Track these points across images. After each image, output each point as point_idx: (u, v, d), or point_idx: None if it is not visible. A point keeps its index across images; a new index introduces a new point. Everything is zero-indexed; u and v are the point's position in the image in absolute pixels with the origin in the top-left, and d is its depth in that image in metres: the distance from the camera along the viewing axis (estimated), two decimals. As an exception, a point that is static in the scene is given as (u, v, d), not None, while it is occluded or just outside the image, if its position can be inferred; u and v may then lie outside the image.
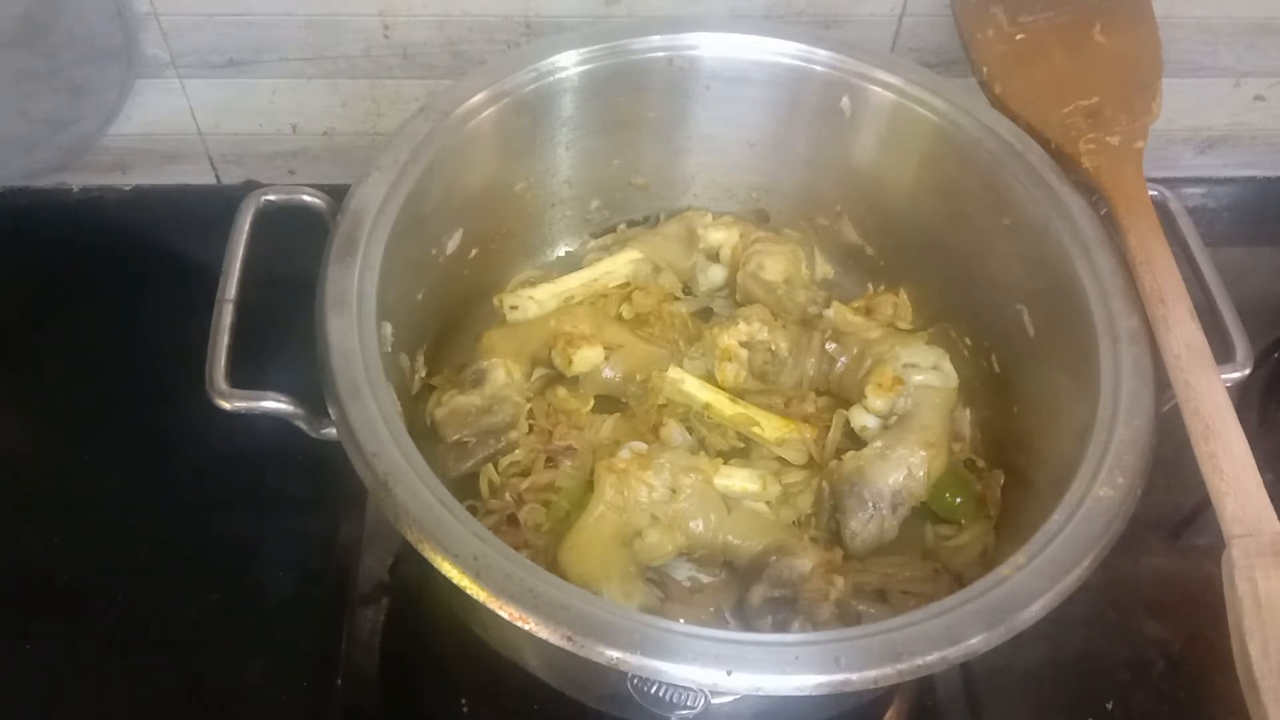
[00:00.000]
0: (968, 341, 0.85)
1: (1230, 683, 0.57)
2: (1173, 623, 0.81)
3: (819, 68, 0.82)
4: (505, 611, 0.53)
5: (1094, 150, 0.76)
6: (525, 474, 0.77)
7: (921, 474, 0.75)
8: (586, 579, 0.67)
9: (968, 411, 0.82)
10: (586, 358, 0.80)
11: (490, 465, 0.77)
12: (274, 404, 0.62)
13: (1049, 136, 0.78)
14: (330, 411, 0.61)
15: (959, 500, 0.77)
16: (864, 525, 0.74)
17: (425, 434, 0.78)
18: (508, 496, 0.75)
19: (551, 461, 0.77)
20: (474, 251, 0.83)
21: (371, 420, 0.59)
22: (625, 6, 0.91)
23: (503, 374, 0.78)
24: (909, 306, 0.89)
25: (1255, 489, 0.60)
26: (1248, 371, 0.67)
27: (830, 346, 0.83)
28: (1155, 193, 0.75)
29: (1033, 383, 0.78)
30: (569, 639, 0.52)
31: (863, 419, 0.80)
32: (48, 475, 0.86)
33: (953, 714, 0.78)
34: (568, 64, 0.79)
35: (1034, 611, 0.56)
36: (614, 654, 0.52)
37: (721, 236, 0.90)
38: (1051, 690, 0.78)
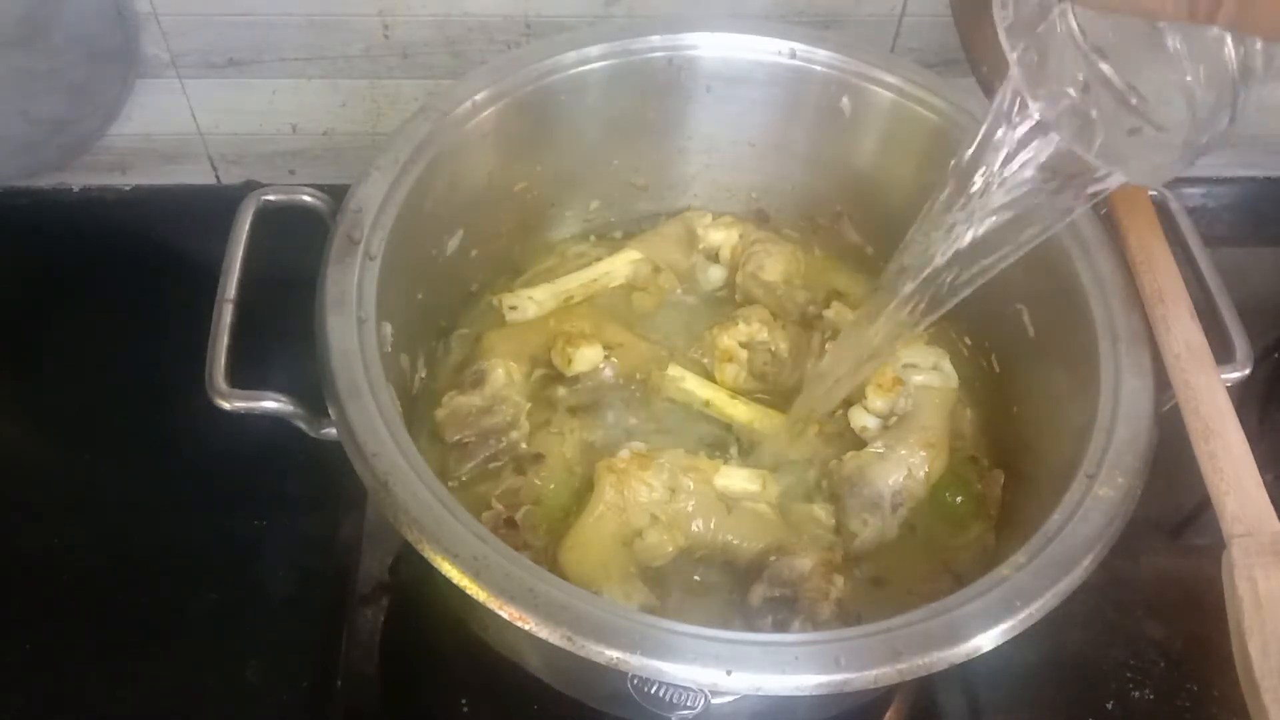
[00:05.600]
0: (968, 341, 0.85)
1: (1230, 683, 0.57)
2: (1173, 623, 0.81)
3: (819, 68, 0.82)
4: (505, 611, 0.53)
5: (1094, 150, 0.76)
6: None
7: (922, 474, 0.75)
8: (586, 579, 0.67)
9: (968, 411, 0.82)
10: (586, 357, 0.80)
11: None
12: (274, 404, 0.62)
13: (1049, 136, 0.78)
14: (330, 411, 0.61)
15: (959, 500, 0.77)
16: (864, 525, 0.74)
17: (425, 434, 0.78)
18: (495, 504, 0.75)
19: (519, 469, 0.76)
20: (474, 252, 0.83)
21: (371, 420, 0.59)
22: (625, 6, 0.91)
23: (502, 374, 0.78)
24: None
25: (1255, 489, 0.60)
26: (1248, 371, 0.67)
27: (830, 347, 0.83)
28: (1155, 193, 0.75)
29: (1033, 383, 0.78)
30: (569, 639, 0.52)
31: (863, 419, 0.80)
32: (48, 475, 0.86)
33: (953, 714, 0.78)
34: (567, 64, 0.79)
35: (1034, 612, 0.56)
36: (614, 654, 0.52)
37: (721, 236, 0.90)
38: (1051, 690, 0.78)
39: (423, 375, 0.81)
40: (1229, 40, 0.48)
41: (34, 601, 0.78)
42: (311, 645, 0.77)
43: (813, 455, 0.80)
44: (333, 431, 0.61)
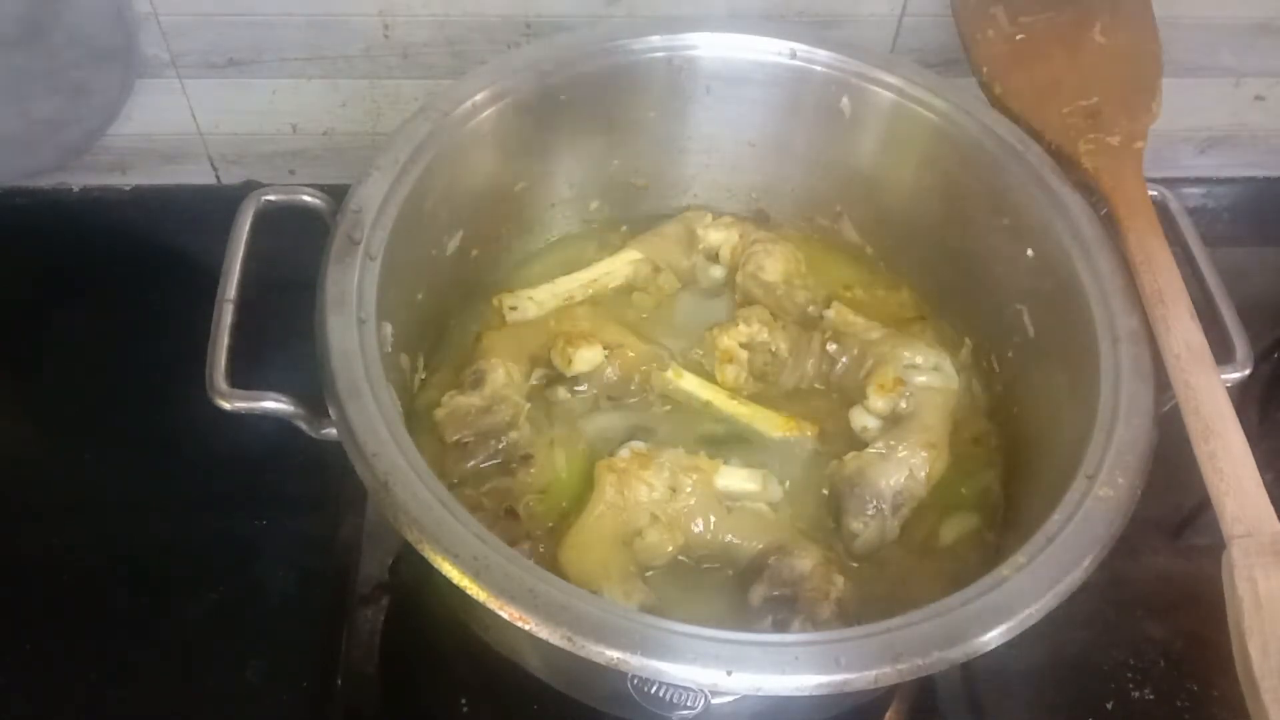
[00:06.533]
0: (968, 341, 0.85)
1: (1230, 683, 0.57)
2: (1173, 623, 0.81)
3: (819, 68, 0.82)
4: (505, 611, 0.53)
5: (1094, 150, 0.76)
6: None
7: (923, 475, 0.75)
8: (586, 579, 0.67)
9: (974, 408, 0.82)
10: (586, 357, 0.80)
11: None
12: (274, 404, 0.62)
13: (1049, 136, 0.78)
14: (330, 411, 0.61)
15: (961, 499, 0.77)
16: (865, 526, 0.74)
17: (425, 434, 0.78)
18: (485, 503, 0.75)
19: (508, 470, 0.75)
20: (474, 251, 0.83)
21: (371, 420, 0.59)
22: (625, 6, 0.91)
23: (503, 374, 0.78)
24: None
25: (1255, 489, 0.60)
26: (1248, 371, 0.67)
27: (831, 347, 0.83)
28: (1155, 193, 0.76)
29: (1033, 383, 0.78)
30: (569, 639, 0.52)
31: (863, 420, 0.79)
32: (48, 475, 0.86)
33: (953, 714, 0.78)
34: (567, 64, 0.79)
35: (1034, 612, 0.56)
36: (614, 654, 0.52)
37: (721, 236, 0.90)
38: (1051, 690, 0.78)
39: (423, 375, 0.81)
40: None
41: (34, 601, 0.78)
42: (311, 645, 0.77)
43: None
44: (333, 431, 0.61)
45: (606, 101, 0.83)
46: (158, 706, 0.74)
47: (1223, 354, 0.67)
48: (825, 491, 0.77)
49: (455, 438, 0.76)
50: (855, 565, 0.74)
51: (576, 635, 0.52)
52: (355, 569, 0.80)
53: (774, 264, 0.87)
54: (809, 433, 0.80)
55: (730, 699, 0.56)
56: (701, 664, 0.52)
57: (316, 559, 0.81)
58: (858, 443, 0.79)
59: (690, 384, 0.81)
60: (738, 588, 0.71)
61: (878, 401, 0.79)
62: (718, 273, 0.90)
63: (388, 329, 0.68)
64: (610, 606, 0.56)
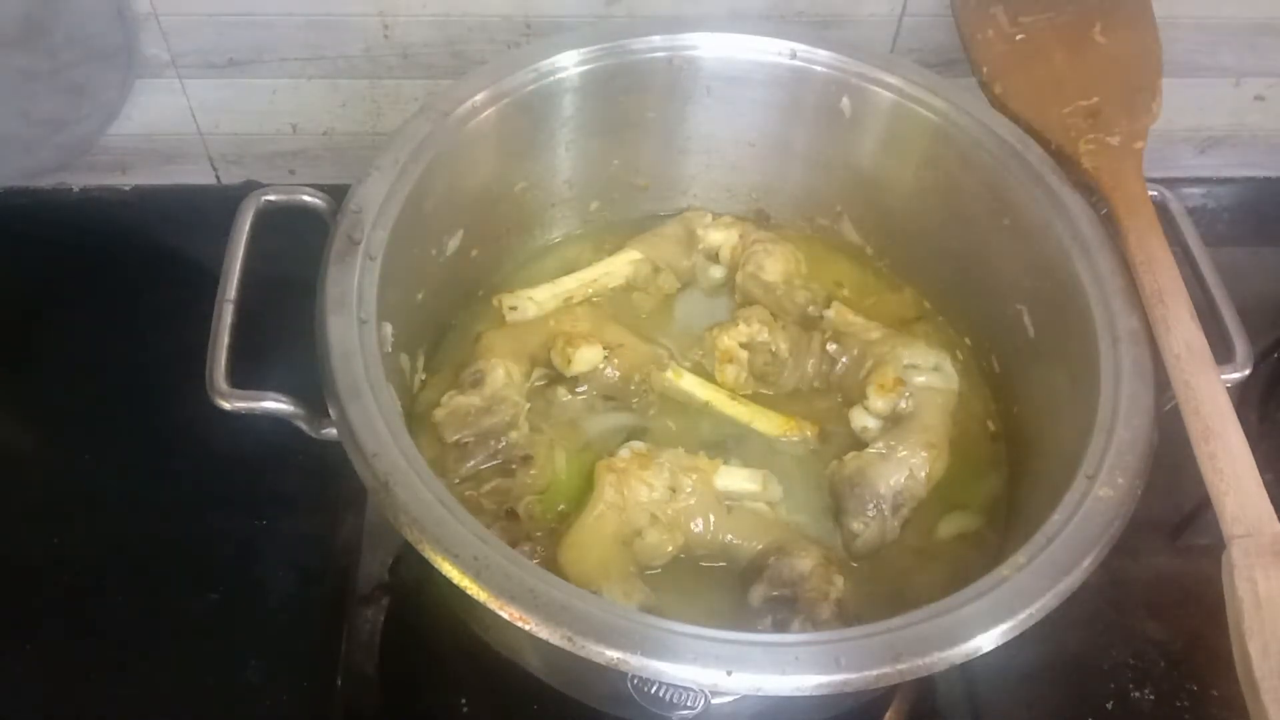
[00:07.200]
0: (967, 341, 0.85)
1: (1230, 683, 0.57)
2: (1173, 623, 0.81)
3: (819, 68, 0.82)
4: (505, 611, 0.53)
5: (1094, 150, 0.76)
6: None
7: (923, 475, 0.75)
8: (586, 579, 0.67)
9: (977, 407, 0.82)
10: (585, 357, 0.80)
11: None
12: (274, 404, 0.62)
13: (1049, 136, 0.78)
14: (330, 411, 0.61)
15: (961, 499, 0.77)
16: (865, 526, 0.74)
17: (425, 434, 0.78)
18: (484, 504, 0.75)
19: (507, 471, 0.75)
20: (474, 251, 0.83)
21: (371, 420, 0.59)
22: (625, 6, 0.91)
23: (502, 374, 0.78)
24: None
25: (1255, 489, 0.60)
26: (1248, 371, 0.67)
27: (831, 347, 0.83)
28: (1155, 193, 0.76)
29: (1033, 383, 0.78)
30: (569, 639, 0.52)
31: (863, 420, 0.79)
32: (48, 475, 0.86)
33: (953, 714, 0.78)
34: (568, 64, 0.79)
35: (1034, 612, 0.56)
36: (614, 654, 0.52)
37: (721, 237, 0.90)
38: (1051, 690, 0.78)
39: (422, 376, 0.81)
40: None
41: (34, 601, 0.78)
42: (311, 645, 0.77)
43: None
44: (333, 431, 0.61)
45: (606, 102, 0.83)
46: (158, 706, 0.74)
47: (1223, 354, 0.67)
48: (825, 491, 0.77)
49: (455, 438, 0.76)
50: (855, 565, 0.74)
51: (576, 635, 0.52)
52: (355, 569, 0.80)
53: (774, 264, 0.87)
54: (809, 433, 0.80)
55: (730, 699, 0.56)
56: (701, 664, 0.52)
57: (316, 559, 0.81)
58: (858, 443, 0.79)
59: (690, 384, 0.81)
60: (738, 588, 0.71)
61: (878, 401, 0.79)
62: (718, 273, 0.90)
63: (388, 329, 0.68)
64: (610, 606, 0.56)
